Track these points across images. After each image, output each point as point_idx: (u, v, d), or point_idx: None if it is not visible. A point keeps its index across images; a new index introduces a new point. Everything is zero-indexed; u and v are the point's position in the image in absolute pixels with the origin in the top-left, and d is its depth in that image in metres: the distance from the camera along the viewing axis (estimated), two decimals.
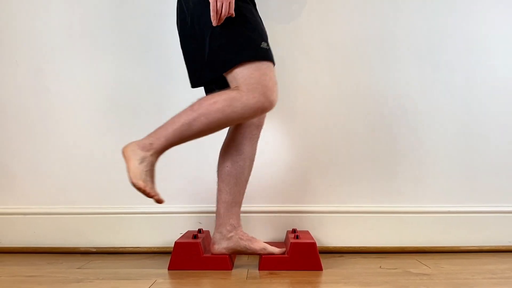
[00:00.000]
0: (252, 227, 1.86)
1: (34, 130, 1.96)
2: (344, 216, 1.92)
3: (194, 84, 1.58)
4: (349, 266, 1.66)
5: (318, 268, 1.58)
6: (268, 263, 1.59)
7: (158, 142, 1.44)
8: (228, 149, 1.61)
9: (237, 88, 1.45)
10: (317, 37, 1.95)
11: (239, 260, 1.74)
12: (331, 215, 1.92)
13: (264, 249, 1.61)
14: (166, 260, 1.65)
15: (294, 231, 1.82)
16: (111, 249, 1.89)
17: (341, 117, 1.95)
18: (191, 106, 1.46)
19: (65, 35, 1.96)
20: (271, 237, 1.91)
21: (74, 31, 1.96)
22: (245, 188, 1.62)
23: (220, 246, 1.60)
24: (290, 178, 1.94)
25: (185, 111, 1.46)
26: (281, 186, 1.94)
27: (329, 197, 1.94)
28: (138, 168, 1.41)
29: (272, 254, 1.60)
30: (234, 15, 1.43)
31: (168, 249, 1.81)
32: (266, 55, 1.47)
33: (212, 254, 1.61)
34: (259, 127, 1.63)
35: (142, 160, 1.42)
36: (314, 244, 1.61)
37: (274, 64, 1.51)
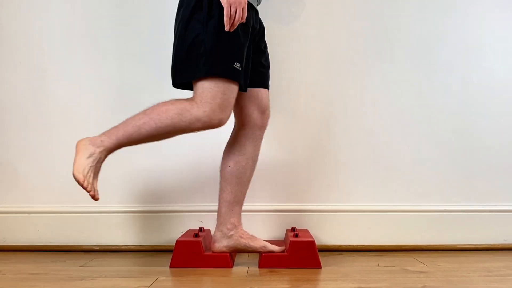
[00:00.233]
0: (252, 225, 1.85)
1: (38, 131, 1.96)
2: (342, 215, 1.93)
3: (172, 83, 1.57)
4: (347, 264, 1.67)
5: (317, 266, 1.59)
6: (268, 261, 1.60)
7: (109, 140, 1.46)
8: (231, 149, 1.62)
9: (192, 99, 1.46)
10: (316, 38, 1.96)
11: (240, 258, 1.75)
12: (330, 214, 1.93)
13: (264, 247, 1.62)
14: (168, 258, 1.65)
15: (293, 229, 1.82)
16: (114, 247, 1.90)
17: (339, 117, 1.96)
18: (145, 110, 1.48)
19: (66, 36, 1.97)
20: (271, 235, 1.92)
21: (75, 32, 1.97)
22: (247, 188, 1.63)
23: (221, 244, 1.62)
24: (290, 177, 1.95)
25: (139, 114, 1.48)
26: (281, 185, 1.95)
27: (328, 196, 1.95)
28: (83, 163, 1.43)
29: (272, 252, 1.61)
30: (245, 21, 1.44)
31: (169, 247, 1.82)
32: (234, 76, 1.45)
33: (213, 252, 1.62)
34: (262, 128, 1.65)
35: (89, 156, 1.44)
36: (313, 242, 1.62)
37: (241, 86, 1.50)
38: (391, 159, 1.96)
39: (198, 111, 1.43)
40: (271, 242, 1.72)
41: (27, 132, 1.97)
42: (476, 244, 1.92)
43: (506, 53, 1.98)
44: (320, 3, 1.96)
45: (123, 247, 1.91)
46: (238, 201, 1.62)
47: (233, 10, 1.39)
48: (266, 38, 1.71)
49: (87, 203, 1.92)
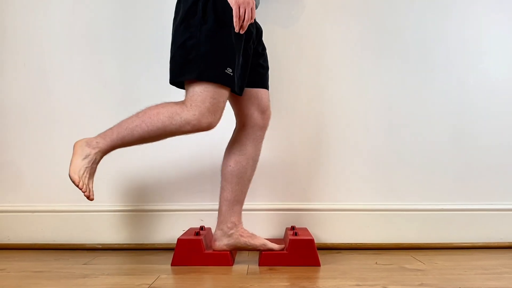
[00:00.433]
0: (252, 224, 1.86)
1: (40, 131, 1.97)
2: (341, 214, 1.94)
3: (169, 81, 1.58)
4: (346, 262, 1.68)
5: (316, 263, 1.60)
6: (267, 259, 1.61)
7: (104, 142, 1.49)
8: (232, 149, 1.63)
9: (183, 102, 1.48)
10: (315, 40, 1.97)
11: (240, 256, 1.76)
12: (328, 213, 1.94)
13: (264, 245, 1.63)
14: (169, 256, 1.66)
15: (293, 228, 1.83)
16: (116, 246, 1.91)
17: (338, 117, 1.97)
18: (138, 113, 1.50)
19: (68, 37, 1.98)
20: (270, 233, 1.93)
21: (76, 33, 1.97)
22: (247, 187, 1.64)
23: (221, 242, 1.63)
24: (289, 176, 1.96)
25: (132, 116, 1.50)
26: (280, 184, 1.96)
27: (327, 196, 1.96)
28: (79, 164, 1.46)
29: (272, 250, 1.62)
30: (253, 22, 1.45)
31: (171, 246, 1.83)
32: (225, 81, 1.46)
33: (213, 250, 1.63)
34: (263, 128, 1.65)
35: (85, 157, 1.47)
36: (312, 240, 1.62)
37: (236, 90, 1.51)
38: (389, 159, 1.97)
39: (188, 114, 1.45)
40: (271, 240, 1.73)
41: (29, 132, 1.98)
42: (473, 243, 1.92)
43: (503, 55, 1.99)
44: (318, 6, 1.97)
45: (125, 246, 1.92)
46: (238, 200, 1.63)
47: (242, 10, 1.41)
48: (266, 40, 1.72)
49: (89, 202, 1.91)
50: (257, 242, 1.63)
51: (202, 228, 1.83)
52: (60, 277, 1.47)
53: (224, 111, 1.51)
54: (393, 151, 1.97)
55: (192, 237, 1.66)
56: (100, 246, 1.91)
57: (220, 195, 1.64)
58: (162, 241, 1.92)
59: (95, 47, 1.98)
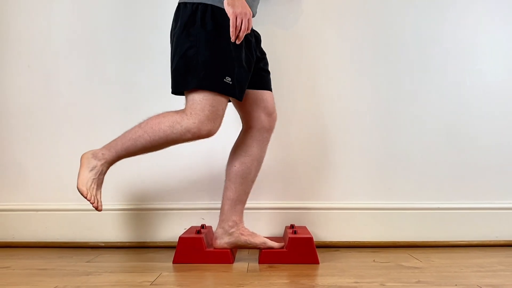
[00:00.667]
0: (252, 222, 1.87)
1: (44, 131, 1.98)
2: (339, 212, 1.95)
3: (171, 91, 1.59)
4: (344, 259, 1.69)
5: (315, 261, 1.61)
6: (267, 257, 1.62)
7: (109, 153, 1.52)
8: (237, 150, 1.65)
9: (183, 111, 1.50)
10: (314, 41, 1.98)
11: (240, 254, 1.76)
12: (327, 212, 1.95)
13: (264, 243, 1.64)
14: (171, 254, 1.68)
15: (292, 226, 1.84)
16: (119, 244, 1.92)
17: (337, 117, 1.98)
18: (140, 123, 1.52)
19: (71, 39, 1.98)
20: (270, 232, 1.94)
21: (79, 35, 1.98)
22: (250, 187, 1.65)
23: (222, 241, 1.64)
24: (289, 176, 1.97)
25: (135, 127, 1.52)
26: (280, 183, 1.97)
27: (326, 195, 1.96)
28: (86, 176, 1.49)
29: (272, 248, 1.63)
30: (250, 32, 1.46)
31: (172, 244, 1.83)
32: (224, 90, 1.48)
33: (214, 248, 1.64)
34: (270, 130, 1.66)
35: (92, 169, 1.50)
36: (311, 238, 1.64)
37: (237, 97, 1.52)
38: (387, 158, 1.97)
39: (188, 122, 1.47)
40: (271, 238, 1.74)
41: (33, 132, 1.99)
42: (469, 241, 1.93)
43: (499, 56, 1.99)
44: (317, 8, 1.98)
45: (128, 244, 1.93)
46: (241, 200, 1.64)
47: (239, 21, 1.42)
48: (265, 41, 1.73)
49: None
50: (257, 240, 1.64)
51: (203, 226, 1.84)
52: (63, 275, 1.48)
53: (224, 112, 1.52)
54: (390, 151, 1.98)
55: (194, 235, 1.67)
56: (103, 244, 1.93)
57: (223, 194, 1.65)
58: (164, 239, 1.93)
59: (98, 48, 1.99)
